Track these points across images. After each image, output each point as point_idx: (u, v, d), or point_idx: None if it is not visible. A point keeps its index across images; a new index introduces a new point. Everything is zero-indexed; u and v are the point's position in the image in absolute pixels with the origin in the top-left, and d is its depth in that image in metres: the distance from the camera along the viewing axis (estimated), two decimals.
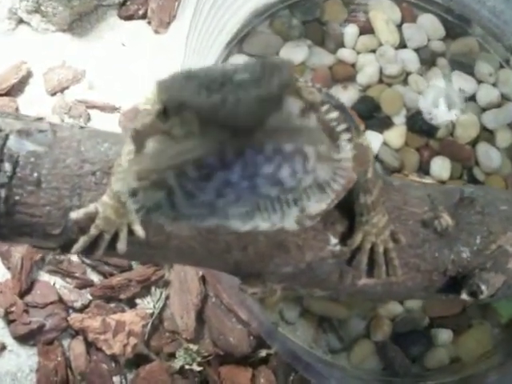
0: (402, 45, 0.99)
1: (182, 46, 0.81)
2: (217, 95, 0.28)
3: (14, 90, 0.88)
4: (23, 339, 0.79)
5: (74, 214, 0.39)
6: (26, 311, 0.79)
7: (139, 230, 0.38)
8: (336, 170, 0.33)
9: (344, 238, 0.43)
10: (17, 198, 0.38)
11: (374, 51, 0.98)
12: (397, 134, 0.95)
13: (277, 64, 0.31)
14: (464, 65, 1.01)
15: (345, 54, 0.96)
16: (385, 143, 0.94)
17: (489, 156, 0.96)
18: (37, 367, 0.79)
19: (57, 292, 0.81)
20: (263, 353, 0.83)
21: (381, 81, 0.97)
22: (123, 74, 0.90)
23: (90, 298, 0.82)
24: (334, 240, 0.42)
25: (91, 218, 0.40)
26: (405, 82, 0.98)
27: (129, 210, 0.38)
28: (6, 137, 0.39)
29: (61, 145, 0.40)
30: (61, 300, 0.80)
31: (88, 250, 0.41)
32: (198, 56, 0.88)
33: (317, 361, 0.81)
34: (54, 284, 0.82)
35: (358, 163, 0.38)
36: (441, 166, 0.94)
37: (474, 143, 0.96)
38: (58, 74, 0.89)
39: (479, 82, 0.99)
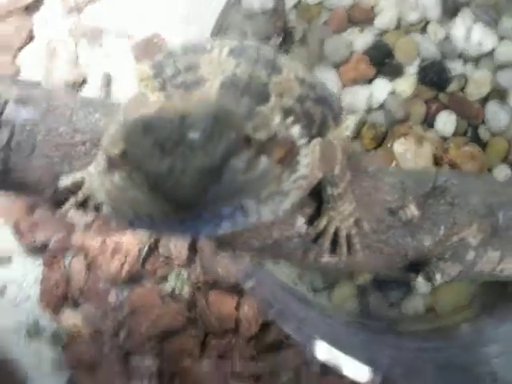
0: None
1: None
2: (165, 163, 0.31)
3: (30, 9, 0.90)
4: (30, 252, 0.87)
5: (63, 182, 0.43)
6: (34, 227, 0.86)
7: (106, 209, 0.42)
8: (292, 186, 0.37)
9: (311, 219, 0.47)
10: (12, 161, 0.43)
11: None
12: (407, 84, 0.94)
13: (227, 122, 0.33)
14: (488, 18, 1.01)
15: None
16: (393, 92, 0.93)
17: (497, 116, 0.95)
18: (41, 279, 0.87)
19: (61, 210, 0.88)
20: (249, 283, 0.91)
21: (398, 27, 0.96)
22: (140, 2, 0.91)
23: (93, 218, 0.88)
24: (301, 221, 0.46)
25: (78, 185, 0.44)
26: (423, 31, 0.96)
27: (111, 183, 0.42)
28: (4, 104, 0.42)
29: (54, 113, 0.43)
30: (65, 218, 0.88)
31: (77, 209, 0.45)
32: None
33: (296, 300, 0.87)
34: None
35: (324, 163, 0.41)
36: (446, 121, 0.94)
37: (484, 101, 0.95)
38: None
39: (501, 37, 0.97)
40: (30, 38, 0.88)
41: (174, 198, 0.31)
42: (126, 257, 0.84)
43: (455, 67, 0.95)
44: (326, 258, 0.48)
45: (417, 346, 0.89)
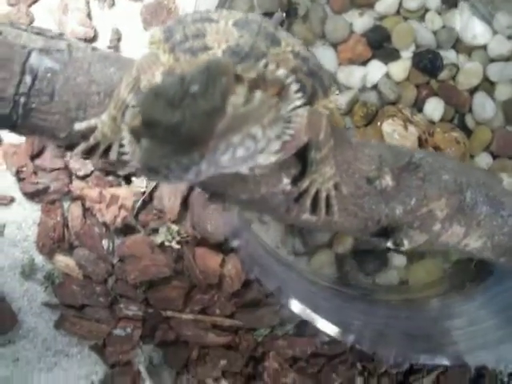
0: None
1: None
2: (177, 114, 0.37)
3: None
4: (30, 196, 0.91)
5: (78, 126, 0.48)
6: (35, 173, 0.90)
7: (113, 155, 0.48)
8: (285, 126, 0.43)
9: (295, 180, 0.52)
10: (33, 105, 0.47)
11: None
12: (401, 68, 0.99)
13: (218, 70, 0.38)
14: (484, 12, 1.06)
15: None
16: (387, 75, 0.99)
17: (484, 106, 1.01)
18: (39, 221, 0.93)
19: (63, 160, 0.93)
20: (235, 243, 0.97)
21: (398, 13, 1.01)
22: None
23: (92, 168, 0.92)
24: (286, 180, 0.51)
25: (91, 130, 0.49)
26: (421, 19, 1.01)
27: (121, 129, 0.47)
28: (29, 53, 0.47)
29: (74, 65, 0.48)
30: (66, 167, 0.91)
31: (86, 154, 0.51)
32: None
33: (278, 262, 0.94)
34: (61, 153, 0.94)
35: (310, 128, 0.47)
36: (434, 107, 0.99)
37: (472, 91, 1.01)
38: None
39: (495, 32, 1.02)
40: None
41: (190, 141, 0.38)
42: (120, 208, 0.89)
43: (448, 56, 1.01)
44: (306, 216, 0.54)
45: (388, 313, 0.96)
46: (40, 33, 0.49)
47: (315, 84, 0.50)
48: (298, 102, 0.44)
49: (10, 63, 0.47)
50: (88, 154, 0.50)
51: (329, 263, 0.98)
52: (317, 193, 0.53)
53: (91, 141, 0.49)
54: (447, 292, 1.00)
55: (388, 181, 0.54)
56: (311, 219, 0.54)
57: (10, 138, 0.91)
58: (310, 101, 0.49)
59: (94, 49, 0.50)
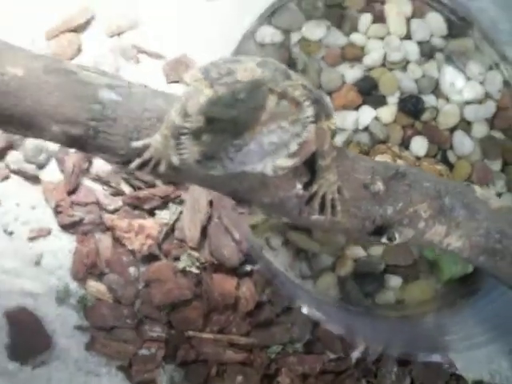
0: (408, 37, 1.17)
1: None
2: (233, 111, 0.53)
3: (80, 29, 1.11)
4: (66, 228, 1.04)
5: (135, 143, 0.63)
6: (71, 206, 1.04)
7: (175, 160, 0.62)
8: (303, 128, 0.58)
9: (306, 186, 0.66)
10: (101, 128, 0.62)
11: (382, 38, 1.16)
12: (388, 112, 1.14)
13: (259, 83, 0.55)
14: (458, 62, 1.23)
15: (357, 37, 1.14)
16: (376, 118, 1.13)
17: (463, 143, 1.15)
18: (74, 251, 1.05)
19: (95, 196, 1.06)
20: (248, 268, 1.06)
21: (383, 65, 1.16)
22: (173, 27, 1.13)
23: (121, 204, 1.05)
24: (299, 186, 0.65)
25: (145, 147, 0.64)
26: (404, 69, 1.16)
27: (171, 145, 0.62)
28: (98, 88, 0.62)
29: (132, 97, 0.63)
30: (98, 202, 1.05)
31: (140, 168, 0.65)
32: (237, 21, 1.11)
33: (289, 282, 1.07)
34: (94, 189, 1.09)
35: (317, 140, 0.62)
36: (419, 145, 1.14)
37: (452, 130, 1.16)
38: (117, 20, 1.12)
39: (468, 78, 1.19)
40: (79, 51, 1.10)
41: (242, 128, 0.54)
42: (147, 237, 1.03)
43: (429, 100, 1.16)
44: (315, 217, 0.68)
45: (389, 328, 1.09)
46: (104, 74, 0.64)
47: (319, 109, 0.65)
48: (311, 111, 0.59)
49: (83, 95, 0.62)
50: (141, 167, 0.64)
51: (333, 285, 1.10)
52: (323, 196, 0.67)
53: (146, 155, 0.63)
54: (440, 309, 1.13)
55: (380, 186, 0.68)
56: (320, 219, 0.68)
57: (49, 176, 1.06)
58: (315, 121, 0.64)
59: (146, 86, 0.65)
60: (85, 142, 0.63)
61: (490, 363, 1.18)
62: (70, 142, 0.63)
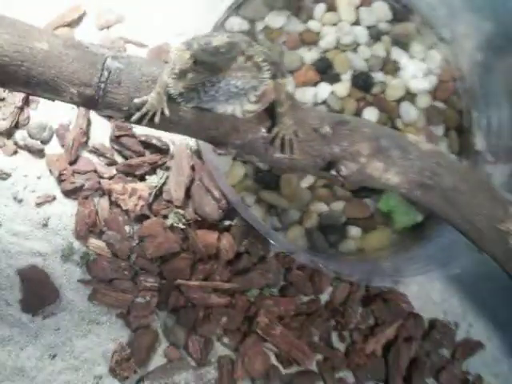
0: (357, 23, 1.39)
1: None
2: (215, 58, 0.74)
3: (73, 24, 1.33)
4: (69, 193, 1.24)
5: (136, 100, 0.84)
6: (72, 175, 1.24)
7: (167, 112, 0.84)
8: (260, 83, 0.80)
9: (269, 129, 0.88)
10: (109, 89, 0.83)
11: (335, 25, 1.38)
12: (342, 87, 1.36)
13: (236, 43, 0.76)
14: (402, 43, 1.43)
15: (313, 24, 1.37)
16: (333, 93, 1.35)
17: (408, 112, 1.38)
18: (76, 212, 1.26)
19: (93, 165, 1.26)
20: (227, 223, 1.28)
21: (337, 47, 1.38)
22: (154, 20, 1.35)
23: (115, 172, 1.26)
24: (263, 130, 0.87)
25: (143, 103, 0.85)
26: (355, 50, 1.39)
27: (164, 100, 0.83)
28: (105, 59, 0.83)
29: (132, 65, 0.84)
30: (95, 171, 1.25)
31: (139, 121, 0.86)
32: (208, 13, 1.33)
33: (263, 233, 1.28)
34: (91, 160, 1.30)
35: (275, 90, 0.83)
36: (371, 115, 1.35)
37: (399, 101, 1.38)
38: (105, 15, 1.34)
39: (412, 57, 1.42)
40: None
41: (218, 70, 0.76)
42: (138, 199, 1.23)
43: (378, 77, 1.38)
44: (278, 155, 0.89)
45: (351, 268, 1.30)
46: (110, 48, 0.85)
47: (275, 69, 0.87)
48: (267, 74, 0.81)
49: (94, 64, 0.83)
50: (140, 119, 0.85)
51: (301, 236, 1.31)
52: (283, 138, 0.89)
53: (143, 110, 0.84)
54: (393, 255, 1.35)
55: (327, 129, 0.90)
56: (281, 157, 0.90)
57: (52, 150, 1.26)
58: (273, 78, 0.86)
59: (141, 58, 0.87)
60: (96, 101, 0.84)
61: (442, 303, 1.42)
62: (85, 101, 0.84)
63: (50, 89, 0.84)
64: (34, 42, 0.82)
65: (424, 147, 1.00)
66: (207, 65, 0.77)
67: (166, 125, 0.87)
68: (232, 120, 0.84)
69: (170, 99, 0.82)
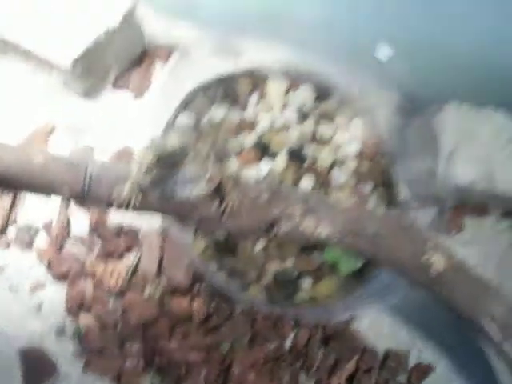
0: (286, 106, 1.71)
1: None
2: (173, 158, 1.04)
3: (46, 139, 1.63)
4: (58, 278, 1.47)
5: (114, 193, 1.13)
6: (60, 263, 1.50)
7: (139, 200, 1.12)
8: (207, 170, 1.08)
9: (220, 203, 1.16)
10: (92, 188, 1.11)
11: (268, 111, 1.69)
12: (280, 162, 1.60)
13: (186, 141, 1.05)
14: (327, 117, 1.71)
15: (249, 113, 1.67)
16: (272, 168, 1.61)
17: (340, 176, 1.65)
18: (66, 293, 1.49)
19: (76, 253, 1.51)
20: (196, 288, 1.51)
21: (271, 130, 1.67)
22: (114, 126, 1.66)
23: (95, 256, 1.51)
24: (215, 204, 1.15)
25: (120, 195, 1.13)
26: (287, 130, 1.68)
27: (136, 192, 1.11)
28: (86, 167, 1.12)
29: (106, 169, 1.13)
30: (78, 257, 1.50)
31: (119, 207, 1.14)
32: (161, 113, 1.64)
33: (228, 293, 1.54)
34: (74, 248, 1.55)
35: (219, 173, 1.13)
36: (307, 182, 1.61)
37: (330, 167, 1.67)
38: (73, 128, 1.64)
39: (337, 128, 1.69)
40: None
41: (176, 166, 1.05)
42: (118, 276, 1.49)
43: (310, 149, 1.68)
44: (228, 223, 1.18)
45: (307, 314, 1.56)
46: (83, 156, 1.14)
47: (218, 157, 1.17)
48: (212, 161, 1.11)
49: (78, 171, 1.12)
50: (120, 206, 1.13)
51: (260, 291, 1.52)
52: (231, 209, 1.18)
53: (122, 199, 1.12)
54: (342, 298, 1.62)
55: (265, 197, 1.19)
56: (231, 225, 1.18)
57: (40, 243, 1.51)
58: (216, 163, 1.16)
59: (112, 162, 1.16)
60: (83, 198, 1.13)
61: (393, 334, 1.65)
62: (73, 196, 1.13)
63: (46, 191, 1.12)
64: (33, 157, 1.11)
65: (345, 204, 1.29)
66: (166, 161, 1.05)
67: (142, 207, 1.15)
68: (190, 201, 1.13)
69: (141, 190, 1.10)
